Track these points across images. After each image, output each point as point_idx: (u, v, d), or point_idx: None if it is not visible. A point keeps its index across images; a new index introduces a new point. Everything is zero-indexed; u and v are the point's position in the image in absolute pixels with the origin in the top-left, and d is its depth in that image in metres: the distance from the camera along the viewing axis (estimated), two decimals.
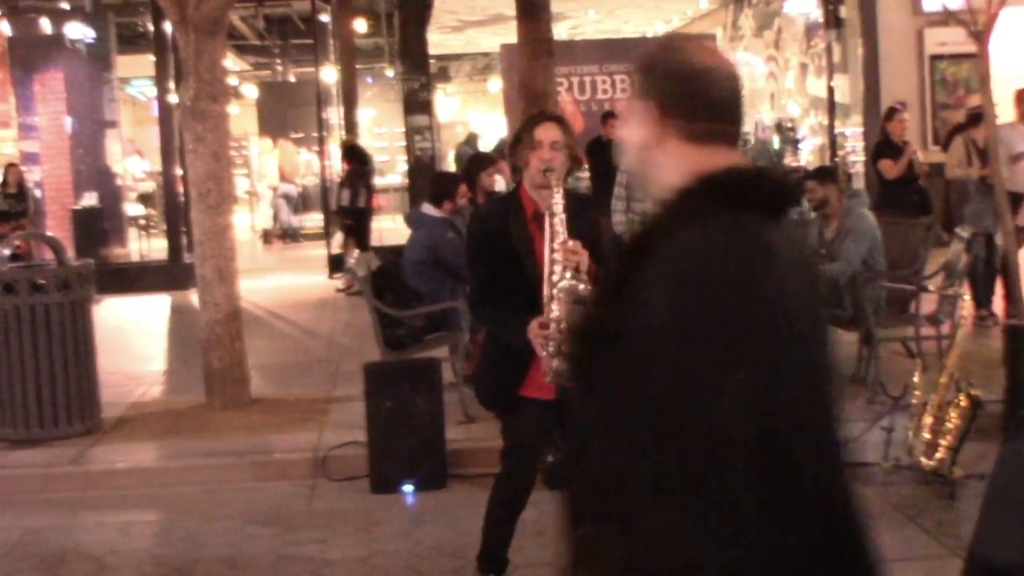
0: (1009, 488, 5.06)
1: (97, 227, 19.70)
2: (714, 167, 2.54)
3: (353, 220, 18.25)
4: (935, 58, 19.25)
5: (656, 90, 2.66)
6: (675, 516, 2.32)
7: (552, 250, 5.42)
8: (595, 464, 2.50)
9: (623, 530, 2.38)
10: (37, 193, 19.78)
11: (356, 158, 18.72)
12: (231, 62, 26.74)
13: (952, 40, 17.86)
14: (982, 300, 12.30)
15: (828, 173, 11.47)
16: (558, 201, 5.49)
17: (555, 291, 5.41)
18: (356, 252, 14.05)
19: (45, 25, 21.03)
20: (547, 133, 5.65)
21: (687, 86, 2.62)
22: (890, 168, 13.26)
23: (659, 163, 2.67)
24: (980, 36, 11.76)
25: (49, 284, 9.44)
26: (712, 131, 2.61)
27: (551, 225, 5.48)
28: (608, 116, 16.42)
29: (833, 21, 20.69)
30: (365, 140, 23.28)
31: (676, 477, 2.32)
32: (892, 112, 13.88)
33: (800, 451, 2.44)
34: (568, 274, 5.40)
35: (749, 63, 26.32)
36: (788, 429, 2.40)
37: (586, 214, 5.74)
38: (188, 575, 7.09)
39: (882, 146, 13.65)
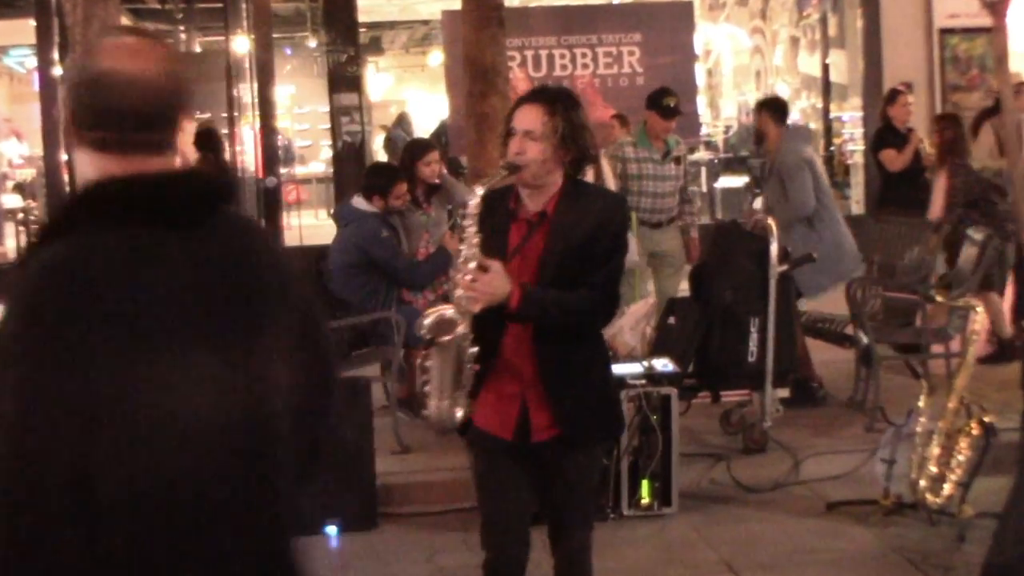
0: None
1: None
2: (104, 177, 2.78)
3: None
4: (945, 32, 19.26)
5: (66, 98, 2.90)
6: None
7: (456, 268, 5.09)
8: None
9: None
10: None
11: (210, 146, 17.47)
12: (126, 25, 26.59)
13: (965, 12, 17.86)
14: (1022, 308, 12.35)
15: (770, 104, 12.04)
16: (472, 201, 5.08)
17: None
18: None
19: None
20: (523, 119, 5.11)
21: (80, 93, 2.88)
22: (893, 159, 13.26)
23: (77, 171, 2.95)
24: (996, 8, 11.86)
25: None
26: (107, 140, 2.84)
27: (461, 234, 5.14)
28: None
29: None
30: (283, 122, 23.16)
31: None
32: (895, 94, 13.90)
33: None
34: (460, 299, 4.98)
35: (732, 36, 26.39)
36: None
37: (590, 218, 5.12)
38: None
39: (884, 134, 13.64)
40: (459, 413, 5.05)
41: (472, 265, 4.92)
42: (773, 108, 11.83)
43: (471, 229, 4.97)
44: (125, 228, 2.70)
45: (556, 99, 5.10)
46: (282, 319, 2.97)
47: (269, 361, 2.88)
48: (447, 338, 4.91)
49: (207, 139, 17.69)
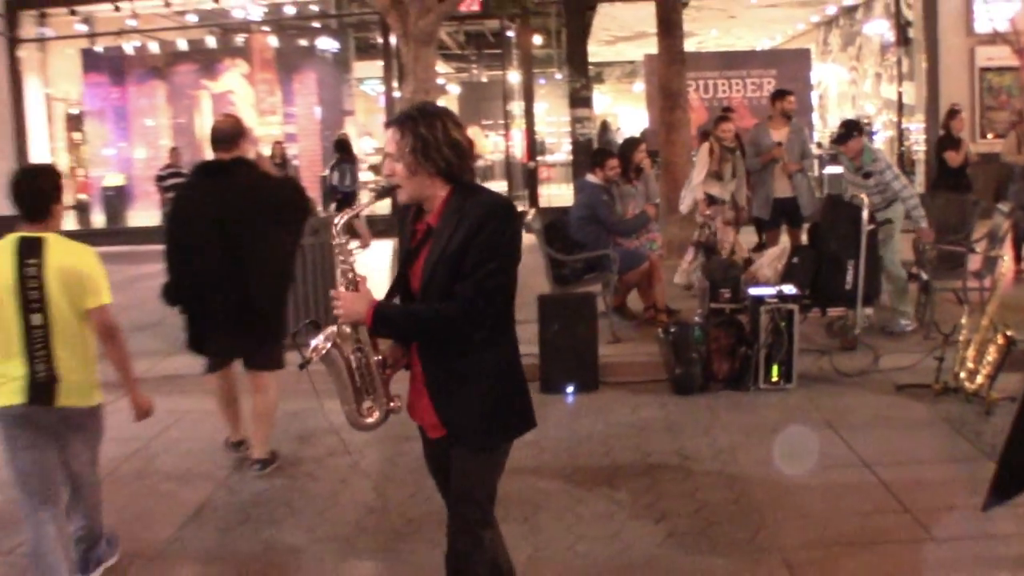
0: None
1: (339, 191, 19.91)
2: None
3: (343, 197, 16.86)
4: (984, 70, 18.75)
5: None
6: None
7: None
8: None
9: None
10: (295, 163, 20.24)
11: (344, 149, 17.54)
12: (439, 67, 26.89)
13: (998, 56, 17.47)
14: None
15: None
16: (337, 225, 3.75)
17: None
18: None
19: (302, 39, 21.39)
20: (387, 143, 3.69)
21: None
22: (953, 158, 12.97)
23: None
24: (1021, 53, 11.45)
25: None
26: None
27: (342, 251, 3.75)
28: (726, 110, 16.07)
29: (903, 40, 20.16)
30: (539, 127, 23.07)
31: None
32: (954, 112, 13.48)
33: None
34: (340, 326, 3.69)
35: (836, 72, 25.77)
36: None
37: (463, 228, 3.54)
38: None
39: (945, 140, 13.29)
40: (370, 419, 3.78)
41: (341, 282, 3.68)
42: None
43: (346, 247, 3.73)
44: None
45: (407, 118, 3.63)
46: None
47: None
48: (317, 355, 3.68)
49: (342, 144, 17.59)
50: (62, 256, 4.65)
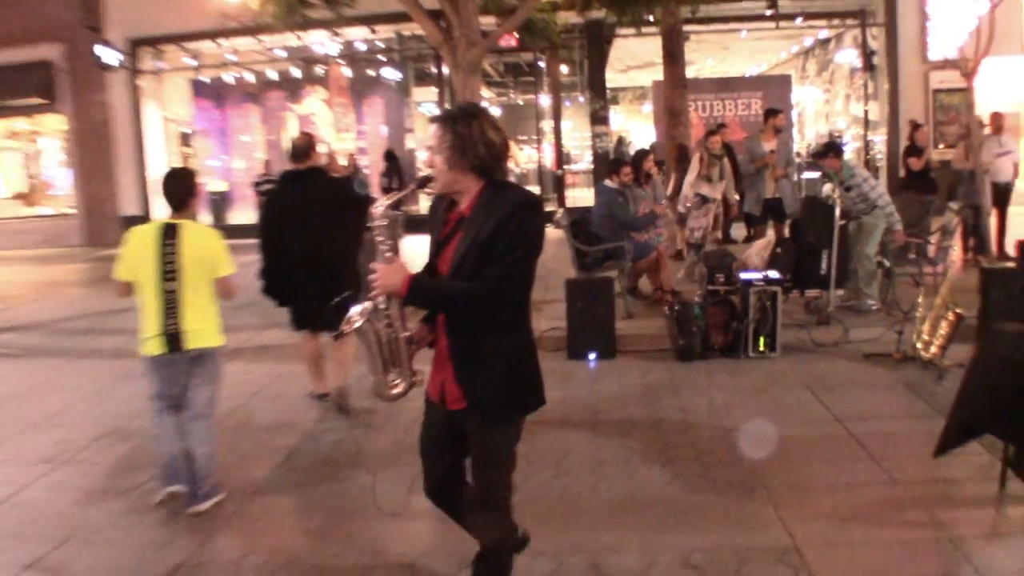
0: (981, 371, 4.92)
1: (386, 190, 19.93)
2: None
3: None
4: (937, 91, 18.57)
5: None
6: None
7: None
8: None
9: None
10: (365, 171, 20.25)
11: (391, 158, 18.67)
12: (483, 92, 26.83)
13: (949, 80, 17.34)
14: (979, 248, 11.76)
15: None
16: (377, 212, 3.45)
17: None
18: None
19: (370, 70, 21.41)
20: (430, 137, 3.40)
21: None
22: (916, 163, 12.90)
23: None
24: (968, 76, 11.34)
25: None
26: None
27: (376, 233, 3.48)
28: (720, 126, 15.98)
29: (868, 66, 19.95)
30: (565, 141, 22.95)
31: None
32: (918, 126, 13.40)
33: None
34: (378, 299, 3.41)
35: (812, 93, 25.54)
36: None
37: (493, 219, 3.26)
38: None
39: (910, 149, 13.21)
40: (395, 391, 3.50)
41: (380, 260, 3.40)
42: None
43: (386, 228, 3.43)
44: None
45: (448, 117, 3.35)
46: None
47: None
48: (349, 328, 3.40)
49: (390, 155, 18.87)
50: (194, 238, 5.15)
